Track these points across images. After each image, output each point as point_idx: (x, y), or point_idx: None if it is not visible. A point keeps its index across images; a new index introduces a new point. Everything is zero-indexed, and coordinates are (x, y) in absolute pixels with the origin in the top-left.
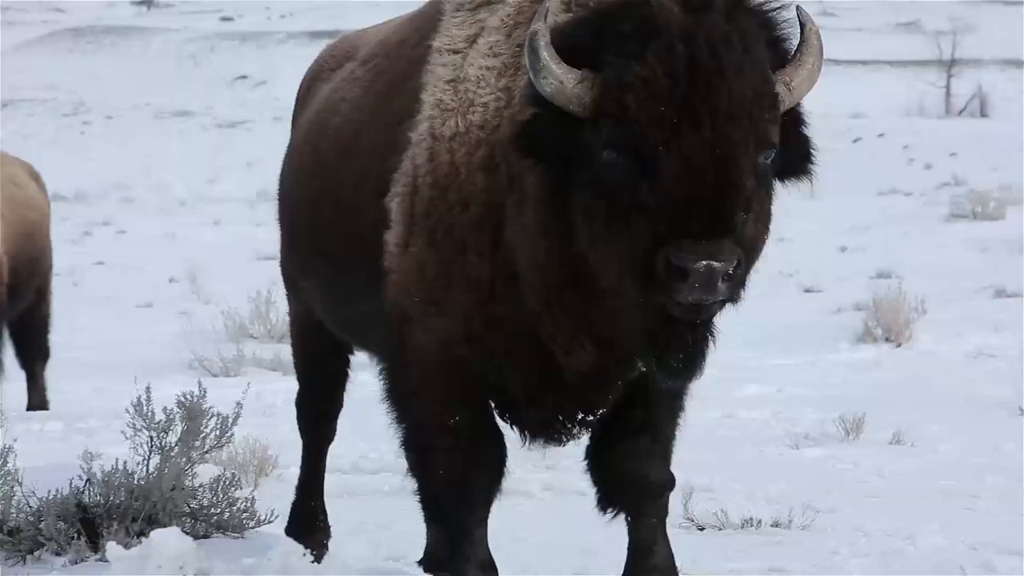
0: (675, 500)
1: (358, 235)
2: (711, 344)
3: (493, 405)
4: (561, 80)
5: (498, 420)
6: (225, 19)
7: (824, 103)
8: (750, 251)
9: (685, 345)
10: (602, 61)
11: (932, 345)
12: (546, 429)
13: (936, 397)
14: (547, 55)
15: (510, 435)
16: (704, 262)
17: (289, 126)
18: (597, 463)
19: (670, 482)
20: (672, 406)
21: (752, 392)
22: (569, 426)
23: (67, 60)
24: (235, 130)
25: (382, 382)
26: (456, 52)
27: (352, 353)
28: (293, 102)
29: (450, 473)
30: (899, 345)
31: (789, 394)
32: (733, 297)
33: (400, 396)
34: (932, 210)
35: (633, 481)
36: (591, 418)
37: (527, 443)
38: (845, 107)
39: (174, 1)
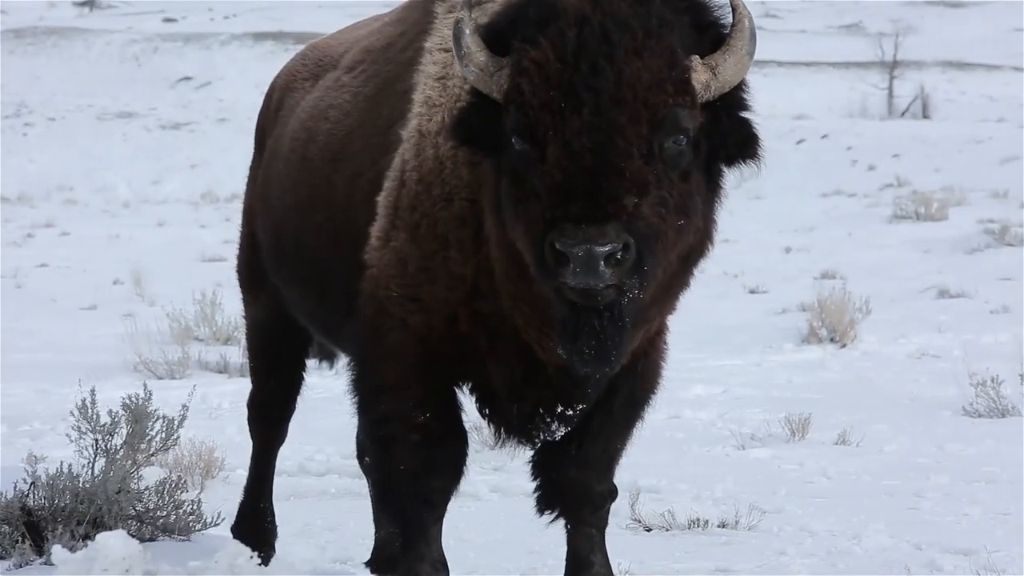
0: (622, 501)
1: (350, 238)
2: (623, 333)
3: (474, 400)
4: (481, 68)
5: (474, 417)
6: (168, 20)
7: (767, 104)
8: (649, 237)
9: (593, 332)
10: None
11: (876, 346)
12: (525, 425)
13: (881, 397)
14: (470, 42)
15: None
16: (584, 246)
17: (236, 128)
18: (543, 464)
19: (612, 492)
20: (629, 416)
21: (698, 393)
22: (549, 421)
23: (8, 61)
24: (179, 131)
25: (350, 373)
26: (447, 51)
27: (308, 357)
28: (237, 103)
29: (412, 468)
30: (844, 346)
31: (735, 395)
32: (628, 283)
33: (370, 389)
34: (876, 211)
35: (576, 488)
36: (570, 413)
37: (501, 441)
38: (788, 108)
39: (116, 2)
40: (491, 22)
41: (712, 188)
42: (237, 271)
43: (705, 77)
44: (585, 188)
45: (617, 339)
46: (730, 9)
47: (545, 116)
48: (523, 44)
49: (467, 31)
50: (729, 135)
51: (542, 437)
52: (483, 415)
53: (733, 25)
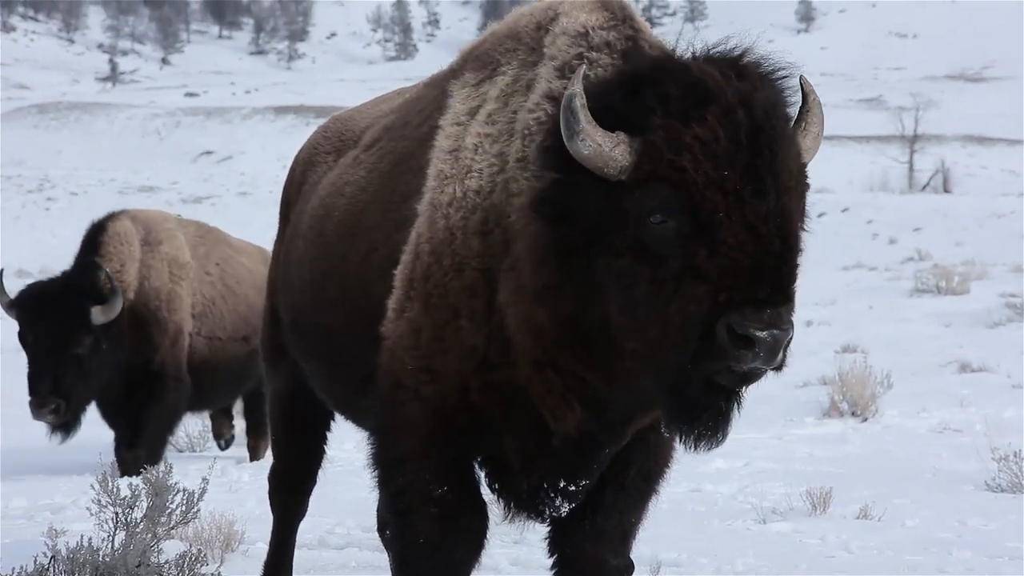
0: (642, 575)
1: (363, 313)
2: (739, 412)
3: (484, 473)
4: (599, 142)
5: (485, 491)
6: (190, 94)
7: None
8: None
9: (719, 412)
10: (642, 124)
11: (898, 419)
12: (533, 499)
13: (902, 471)
14: (584, 117)
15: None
16: (772, 331)
17: (257, 201)
18: (558, 540)
19: (629, 567)
20: (643, 490)
21: (719, 466)
22: (553, 496)
23: (32, 136)
24: (200, 205)
25: (370, 446)
26: (459, 124)
27: (330, 430)
28: (258, 176)
29: (431, 541)
30: (865, 419)
31: (756, 468)
32: (782, 365)
33: (388, 462)
34: (897, 284)
35: (592, 563)
36: (573, 488)
37: (511, 516)
38: (809, 182)
39: (139, 77)
40: (596, 96)
41: None
42: (260, 344)
43: None
44: (771, 273)
45: (733, 418)
46: (799, 89)
47: (715, 195)
48: (672, 121)
49: (580, 104)
50: None
51: (548, 512)
52: (492, 489)
53: (807, 109)
